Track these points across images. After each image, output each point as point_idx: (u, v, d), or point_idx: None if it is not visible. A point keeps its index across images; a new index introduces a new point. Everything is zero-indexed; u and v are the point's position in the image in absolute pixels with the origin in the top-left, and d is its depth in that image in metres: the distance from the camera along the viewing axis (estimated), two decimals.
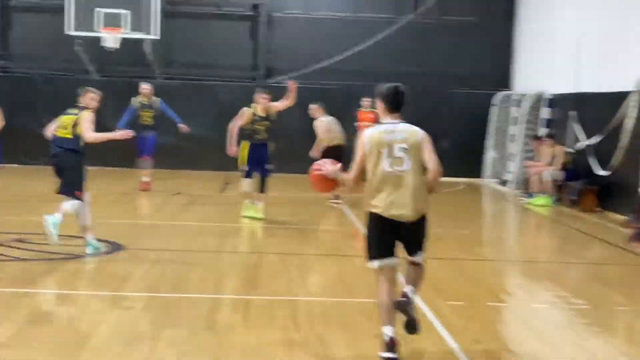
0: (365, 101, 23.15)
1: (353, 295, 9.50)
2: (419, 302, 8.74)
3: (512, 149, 23.09)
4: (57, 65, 24.00)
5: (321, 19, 24.65)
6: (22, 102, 23.48)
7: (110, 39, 22.05)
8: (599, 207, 17.95)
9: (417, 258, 7.32)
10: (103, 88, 22.53)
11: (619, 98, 17.43)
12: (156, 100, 19.14)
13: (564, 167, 18.78)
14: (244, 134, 15.07)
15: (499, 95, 23.85)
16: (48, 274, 9.94)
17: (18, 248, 11.31)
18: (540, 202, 18.65)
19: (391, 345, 6.99)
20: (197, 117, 23.87)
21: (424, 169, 7.16)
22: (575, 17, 19.99)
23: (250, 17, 24.63)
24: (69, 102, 23.03)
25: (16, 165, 22.48)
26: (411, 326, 7.24)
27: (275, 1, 24.68)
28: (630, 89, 16.82)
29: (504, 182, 22.77)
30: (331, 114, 20.07)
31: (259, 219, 14.82)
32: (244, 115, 14.90)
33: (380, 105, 7.38)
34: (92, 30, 22.13)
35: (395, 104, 7.34)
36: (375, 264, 7.19)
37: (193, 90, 24.09)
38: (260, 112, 14.99)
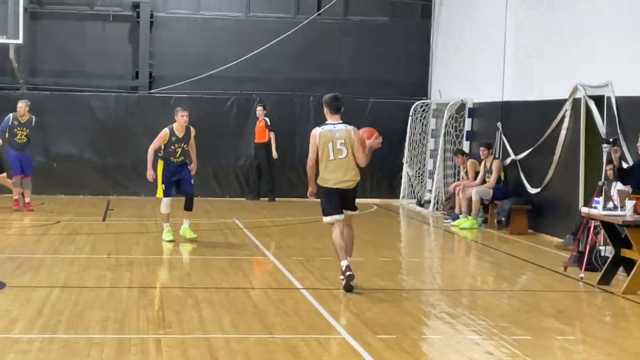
0: (258, 109, 23.87)
1: (272, 331, 9.95)
2: (349, 339, 9.58)
3: (431, 165, 23.91)
4: None
5: (211, 19, 25.13)
6: None
7: None
8: (530, 229, 18.82)
9: (353, 213, 12.52)
10: None
11: (549, 107, 18.34)
12: (32, 118, 20.19)
13: (498, 184, 19.55)
14: (159, 155, 16.12)
15: (416, 104, 24.63)
16: None
17: None
18: (466, 225, 19.41)
19: (348, 269, 12.05)
20: (70, 133, 24.10)
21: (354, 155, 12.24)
22: (501, 18, 20.85)
23: (129, 17, 24.90)
24: None
25: None
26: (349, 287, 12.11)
27: (158, 0, 25.01)
28: (562, 97, 17.74)
29: (421, 203, 23.53)
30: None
31: (193, 239, 16.32)
32: (161, 136, 15.96)
33: (325, 110, 12.41)
34: None
35: (335, 108, 12.35)
36: (329, 219, 12.31)
37: (64, 102, 24.22)
38: (179, 133, 16.01)
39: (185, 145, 16.12)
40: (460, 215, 19.83)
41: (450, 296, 12.66)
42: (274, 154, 23.95)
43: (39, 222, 18.77)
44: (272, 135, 23.93)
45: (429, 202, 23.02)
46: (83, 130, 24.18)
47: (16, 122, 20.12)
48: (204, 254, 15.39)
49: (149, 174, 16.07)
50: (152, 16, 24.75)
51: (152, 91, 24.71)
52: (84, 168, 24.06)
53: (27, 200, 20.33)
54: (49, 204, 21.91)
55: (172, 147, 16.00)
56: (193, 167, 16.51)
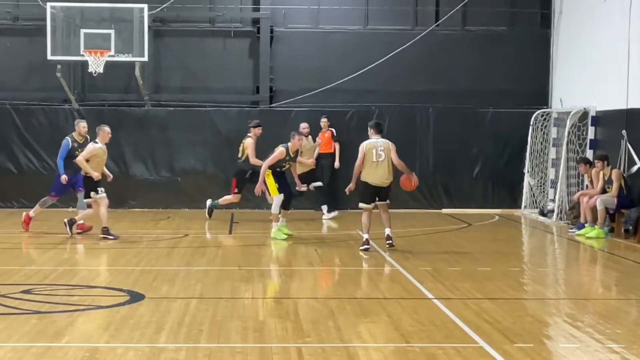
0: (322, 121, 23.90)
1: (409, 340, 10.01)
2: (487, 348, 9.65)
3: (552, 174, 23.70)
4: (34, 95, 24.53)
5: (330, 33, 25.28)
6: None
7: (94, 62, 22.61)
8: None
9: (386, 202, 16.89)
10: (86, 117, 23.37)
11: None
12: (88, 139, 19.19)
13: (621, 193, 19.31)
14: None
15: (536, 114, 24.47)
16: (70, 327, 10.44)
17: (28, 300, 11.86)
18: (592, 234, 19.19)
19: (367, 242, 16.71)
20: (192, 148, 24.57)
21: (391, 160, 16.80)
22: (624, 23, 20.65)
23: (249, 33, 25.22)
24: (50, 134, 23.70)
25: None
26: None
27: (278, 15, 25.26)
28: None
29: (544, 213, 23.32)
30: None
31: (289, 235, 18.41)
32: (277, 155, 17.96)
33: (370, 130, 16.99)
34: (74, 54, 22.73)
35: (378, 130, 17.01)
36: (363, 205, 16.71)
37: (187, 117, 24.65)
38: (292, 153, 18.19)
39: (293, 163, 18.70)
40: (585, 225, 19.62)
41: (583, 305, 12.56)
42: (336, 164, 23.79)
43: (168, 235, 19.14)
44: (337, 145, 23.81)
45: (552, 211, 22.80)
46: (206, 145, 24.59)
47: (75, 144, 19.04)
48: (332, 265, 15.55)
49: (258, 189, 18.17)
50: (272, 31, 24.98)
51: (272, 105, 24.99)
52: (207, 182, 24.43)
53: (80, 221, 18.77)
54: (175, 218, 22.36)
55: (283, 164, 18.30)
56: (298, 184, 19.31)
